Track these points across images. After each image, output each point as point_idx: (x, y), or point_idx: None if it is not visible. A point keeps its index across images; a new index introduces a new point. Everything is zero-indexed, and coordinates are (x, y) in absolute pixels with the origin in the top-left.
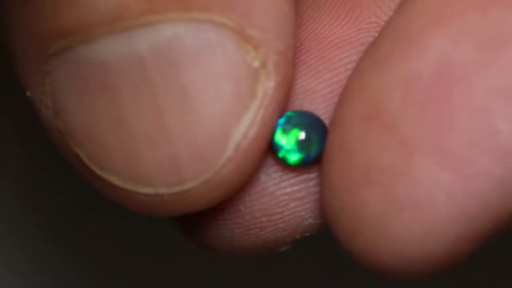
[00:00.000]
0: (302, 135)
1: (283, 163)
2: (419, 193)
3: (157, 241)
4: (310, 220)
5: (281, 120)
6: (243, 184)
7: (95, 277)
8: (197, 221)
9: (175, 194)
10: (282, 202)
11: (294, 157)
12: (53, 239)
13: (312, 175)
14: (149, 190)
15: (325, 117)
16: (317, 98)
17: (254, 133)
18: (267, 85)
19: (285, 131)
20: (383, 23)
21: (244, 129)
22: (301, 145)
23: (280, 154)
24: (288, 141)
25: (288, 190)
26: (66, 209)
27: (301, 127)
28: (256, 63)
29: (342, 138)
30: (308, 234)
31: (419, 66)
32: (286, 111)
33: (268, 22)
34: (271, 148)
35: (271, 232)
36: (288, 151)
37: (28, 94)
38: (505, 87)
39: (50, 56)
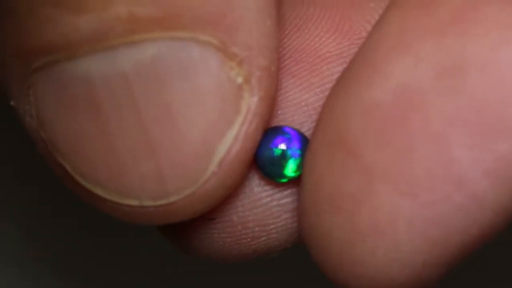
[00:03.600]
0: (283, 152)
1: (267, 179)
2: (381, 220)
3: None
4: None
5: (264, 136)
6: (227, 196)
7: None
8: (186, 229)
9: (159, 206)
10: (276, 213)
11: (276, 174)
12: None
13: None
14: (134, 202)
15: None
16: (308, 110)
17: (238, 148)
18: (251, 101)
19: (268, 148)
20: None
21: (228, 145)
22: (283, 162)
23: (264, 170)
24: (271, 158)
25: (282, 201)
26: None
27: (284, 143)
28: (239, 79)
29: (311, 163)
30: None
31: (379, 93)
32: (272, 124)
33: (251, 38)
34: (256, 164)
35: (263, 242)
36: (271, 167)
37: (12, 103)
38: (460, 115)
39: (34, 70)
